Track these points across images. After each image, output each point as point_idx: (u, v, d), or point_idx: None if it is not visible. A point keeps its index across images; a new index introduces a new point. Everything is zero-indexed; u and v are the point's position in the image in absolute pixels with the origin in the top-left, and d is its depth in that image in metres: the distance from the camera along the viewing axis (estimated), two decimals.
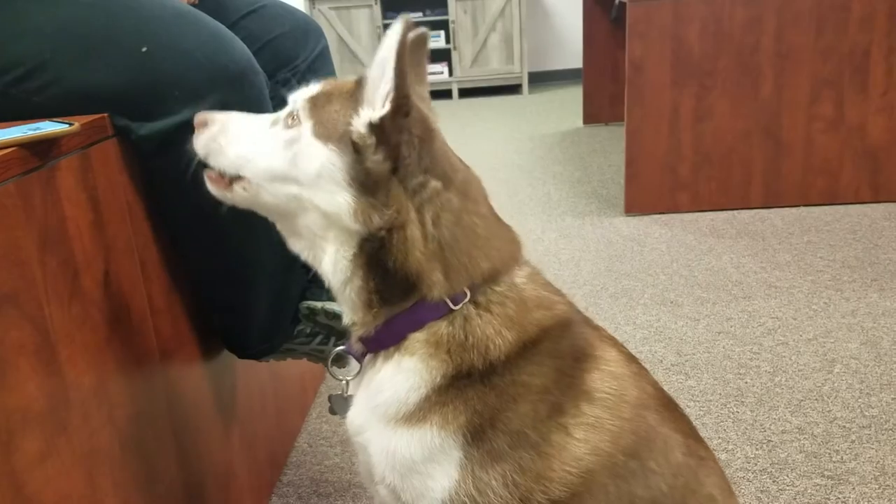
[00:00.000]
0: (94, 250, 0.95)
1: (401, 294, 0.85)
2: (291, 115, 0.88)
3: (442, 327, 0.84)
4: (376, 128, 0.80)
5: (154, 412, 1.09)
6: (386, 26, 6.13)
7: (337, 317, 1.25)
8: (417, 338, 0.85)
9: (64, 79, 1.02)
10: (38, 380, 0.82)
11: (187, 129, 1.04)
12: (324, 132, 0.84)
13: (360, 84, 0.83)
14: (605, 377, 0.86)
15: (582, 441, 0.82)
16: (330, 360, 1.05)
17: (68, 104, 1.01)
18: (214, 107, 1.05)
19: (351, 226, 0.83)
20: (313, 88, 0.89)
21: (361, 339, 0.90)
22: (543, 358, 0.84)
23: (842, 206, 3.11)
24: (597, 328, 0.93)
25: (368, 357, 0.91)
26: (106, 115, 1.02)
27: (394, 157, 0.81)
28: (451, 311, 0.84)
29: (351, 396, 0.95)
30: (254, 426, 1.50)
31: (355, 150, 0.82)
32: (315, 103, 0.87)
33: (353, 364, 0.95)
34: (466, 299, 0.84)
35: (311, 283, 1.34)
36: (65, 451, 0.86)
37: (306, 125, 0.86)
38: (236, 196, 0.91)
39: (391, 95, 0.77)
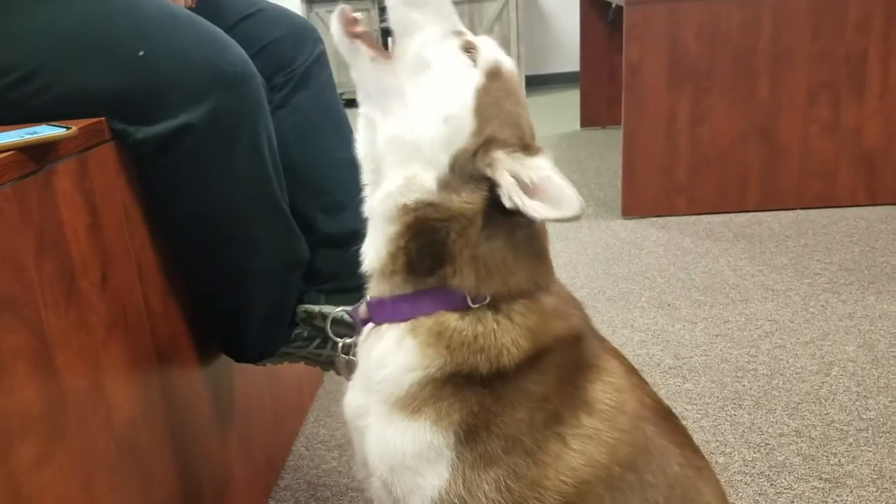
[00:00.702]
0: (91, 254, 0.95)
1: (428, 267, 0.84)
2: (474, 48, 0.86)
3: (451, 320, 0.84)
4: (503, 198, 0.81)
5: (151, 416, 1.09)
6: (384, 30, 6.13)
7: (335, 320, 1.25)
8: (424, 322, 0.84)
9: (61, 82, 1.02)
10: (34, 384, 0.81)
11: (184, 132, 1.04)
12: (481, 107, 0.83)
13: (533, 148, 0.84)
14: (607, 388, 0.86)
15: (578, 452, 0.82)
16: (329, 322, 1.04)
17: (66, 108, 1.01)
18: (212, 110, 1.05)
19: (430, 185, 0.82)
20: (506, 61, 0.88)
21: (370, 305, 0.89)
22: (549, 367, 0.84)
23: (838, 209, 3.12)
24: (602, 339, 0.94)
25: (371, 327, 0.91)
26: (103, 118, 1.02)
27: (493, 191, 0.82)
28: (467, 308, 0.84)
29: (351, 360, 0.95)
30: (251, 430, 1.49)
31: (475, 151, 0.82)
32: (496, 75, 0.85)
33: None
34: (485, 302, 0.84)
35: (309, 285, 1.34)
36: (61, 456, 0.86)
37: (478, 78, 0.84)
38: (358, 50, 0.86)
39: (534, 213, 0.79)
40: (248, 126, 1.12)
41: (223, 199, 1.13)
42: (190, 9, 1.17)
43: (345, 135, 1.41)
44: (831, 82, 3.03)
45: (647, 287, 2.52)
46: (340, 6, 0.86)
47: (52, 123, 0.93)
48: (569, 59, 6.37)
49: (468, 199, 0.82)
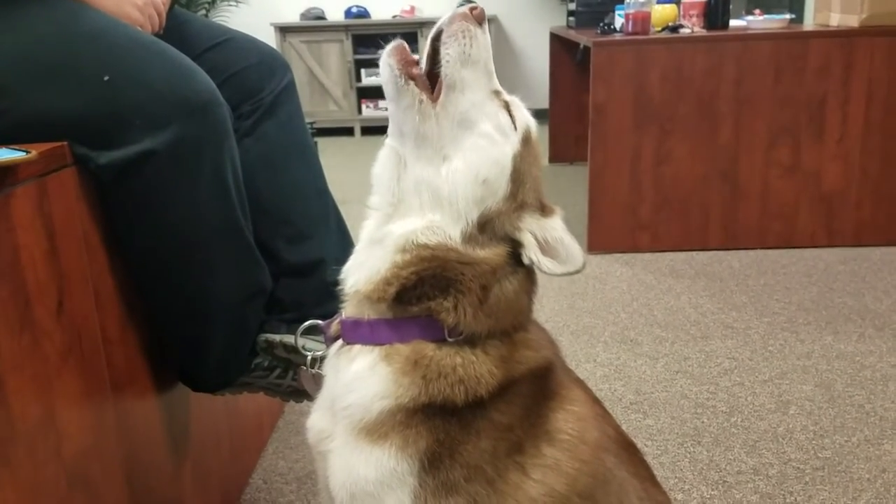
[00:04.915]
0: (47, 280, 0.94)
1: (416, 297, 0.85)
2: (510, 111, 0.89)
3: (429, 349, 0.84)
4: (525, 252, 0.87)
5: (103, 446, 1.06)
6: (357, 61, 6.19)
7: (295, 350, 1.24)
8: (400, 349, 0.85)
9: (23, 105, 1.01)
10: None
11: (147, 158, 1.04)
12: (516, 173, 0.86)
13: (548, 209, 0.90)
14: (569, 418, 0.87)
15: (538, 482, 0.82)
16: (301, 329, 1.05)
17: (27, 131, 1.00)
18: (175, 137, 1.05)
19: (454, 235, 0.84)
20: (534, 125, 0.92)
21: (344, 324, 0.89)
22: (516, 397, 0.85)
23: (797, 250, 3.18)
24: (568, 370, 0.95)
25: (341, 345, 0.90)
26: (65, 143, 1.01)
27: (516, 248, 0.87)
28: (443, 340, 0.84)
29: (318, 374, 0.94)
30: (207, 462, 1.47)
31: (512, 208, 0.86)
32: (528, 142, 0.89)
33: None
34: (460, 337, 0.85)
35: (271, 315, 1.33)
36: (7, 486, 0.83)
37: (515, 141, 0.87)
38: (412, 92, 0.84)
39: (546, 270, 0.87)
40: (212, 154, 1.11)
41: (185, 225, 1.13)
42: (158, 36, 1.17)
43: (311, 164, 1.42)
44: (792, 127, 3.11)
45: (610, 322, 2.54)
46: (398, 41, 0.86)
47: (12, 147, 0.92)
48: (538, 96, 6.43)
49: (492, 253, 0.85)
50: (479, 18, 0.87)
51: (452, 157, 0.84)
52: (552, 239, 0.87)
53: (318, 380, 0.95)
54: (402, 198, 0.87)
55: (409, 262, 0.84)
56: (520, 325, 0.89)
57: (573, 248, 0.88)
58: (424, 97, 0.85)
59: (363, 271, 0.88)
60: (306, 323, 1.04)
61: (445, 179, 0.84)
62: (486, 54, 0.88)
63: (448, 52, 0.85)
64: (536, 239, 0.87)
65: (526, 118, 0.91)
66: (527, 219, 0.87)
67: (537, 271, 0.89)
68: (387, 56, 0.85)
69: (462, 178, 0.84)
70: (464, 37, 0.85)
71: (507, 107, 0.89)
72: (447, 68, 0.85)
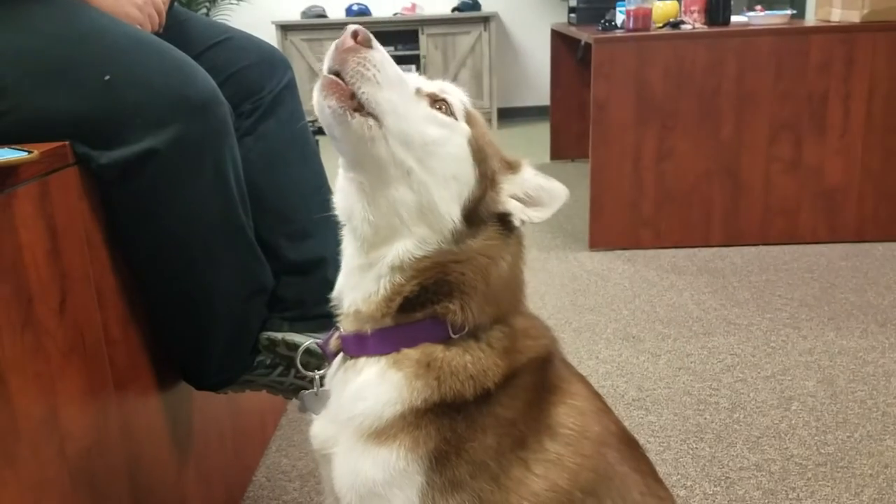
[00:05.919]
0: (49, 279, 0.94)
1: (420, 304, 0.85)
2: (443, 101, 0.87)
3: (438, 351, 0.85)
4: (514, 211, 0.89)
5: (107, 445, 1.07)
6: None
7: (297, 348, 1.24)
8: (409, 354, 0.85)
9: (25, 105, 1.01)
10: None
11: (149, 157, 1.04)
12: (475, 153, 0.87)
13: (514, 164, 0.91)
14: (571, 412, 0.87)
15: (541, 477, 0.83)
16: (300, 352, 1.05)
17: (29, 131, 1.00)
18: (176, 136, 1.05)
19: (447, 238, 0.85)
20: (463, 96, 0.91)
21: (345, 339, 0.89)
22: (519, 390, 0.86)
23: (800, 246, 3.18)
24: (567, 363, 0.96)
25: (344, 359, 0.90)
26: (67, 143, 1.01)
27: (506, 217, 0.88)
28: (450, 338, 0.85)
29: (324, 392, 0.94)
30: (210, 460, 1.47)
31: (488, 185, 0.87)
32: (473, 120, 0.89)
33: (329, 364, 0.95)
34: (464, 332, 0.85)
35: (272, 312, 1.33)
36: (12, 484, 0.84)
37: (463, 128, 0.87)
38: (351, 125, 0.81)
39: (538, 220, 0.90)
40: (214, 152, 1.11)
41: (187, 224, 1.13)
42: (158, 35, 1.17)
43: (312, 163, 1.42)
44: (793, 122, 3.10)
45: (612, 319, 2.54)
46: (325, 77, 0.82)
47: (14, 147, 0.92)
48: (539, 93, 6.45)
49: (485, 239, 0.86)
50: (365, 42, 0.83)
51: (415, 169, 0.84)
52: (531, 190, 0.89)
53: (323, 398, 0.95)
54: (379, 223, 0.85)
55: (410, 277, 0.85)
56: (518, 303, 0.91)
57: (553, 187, 0.90)
58: (371, 122, 0.82)
59: (360, 292, 0.87)
60: (304, 345, 1.05)
61: (418, 192, 0.84)
62: (391, 68, 0.85)
63: (363, 91, 0.81)
64: (518, 198, 0.88)
65: (458, 98, 0.90)
66: (503, 186, 0.89)
67: (523, 230, 0.91)
68: (322, 99, 0.82)
69: (432, 184, 0.84)
70: (365, 68, 0.82)
71: (433, 98, 0.87)
72: (370, 105, 0.82)
